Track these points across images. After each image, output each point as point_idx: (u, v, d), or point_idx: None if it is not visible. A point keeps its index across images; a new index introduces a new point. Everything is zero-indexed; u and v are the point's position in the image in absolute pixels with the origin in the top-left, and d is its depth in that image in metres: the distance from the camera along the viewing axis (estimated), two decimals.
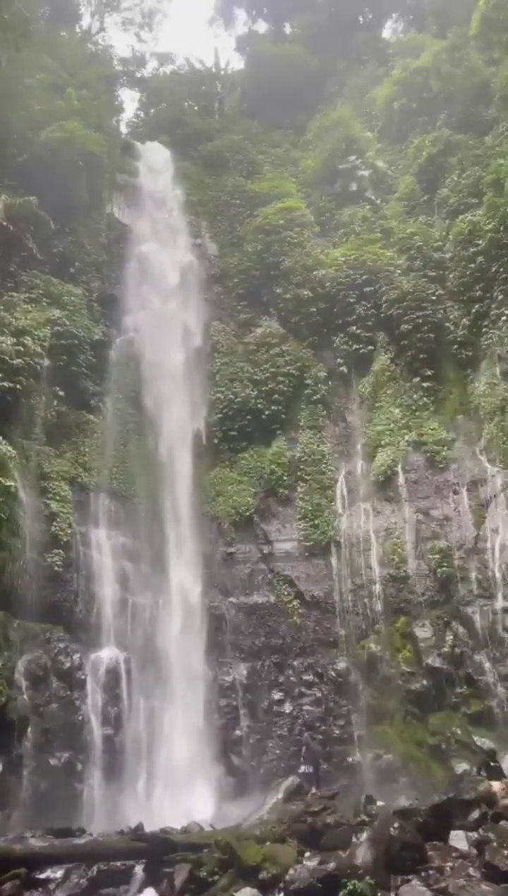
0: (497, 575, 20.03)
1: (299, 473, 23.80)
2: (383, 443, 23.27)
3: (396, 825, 11.17)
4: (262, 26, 46.43)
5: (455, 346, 24.21)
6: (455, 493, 22.03)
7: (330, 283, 26.21)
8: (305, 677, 21.21)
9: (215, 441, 24.70)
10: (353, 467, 23.88)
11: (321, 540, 22.76)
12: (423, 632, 20.40)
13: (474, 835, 11.56)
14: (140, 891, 11.26)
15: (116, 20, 46.28)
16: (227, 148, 32.81)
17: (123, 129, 36.36)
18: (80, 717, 18.28)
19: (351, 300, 25.80)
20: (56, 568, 19.37)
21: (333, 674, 21.18)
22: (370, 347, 25.29)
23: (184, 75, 40.92)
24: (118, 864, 11.80)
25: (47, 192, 23.79)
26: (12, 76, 25.18)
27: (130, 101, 61.23)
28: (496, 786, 12.99)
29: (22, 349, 20.08)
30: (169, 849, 11.74)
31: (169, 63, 45.52)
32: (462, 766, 18.19)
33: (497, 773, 14.50)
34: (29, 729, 17.14)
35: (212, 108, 37.32)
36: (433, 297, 24.73)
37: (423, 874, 10.36)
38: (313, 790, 16.10)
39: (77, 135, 25.23)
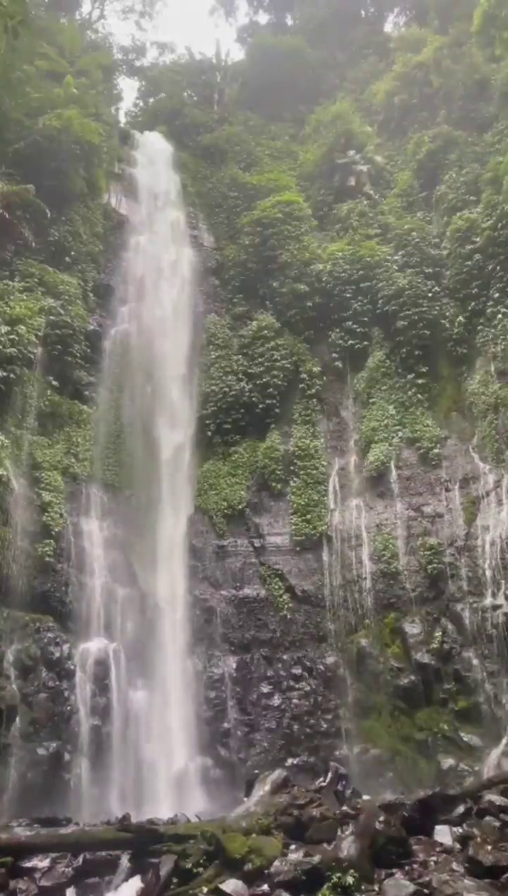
0: (487, 572, 20.09)
1: (292, 468, 23.80)
2: (376, 439, 23.28)
3: (381, 819, 11.24)
4: (263, 17, 46.24)
5: (451, 344, 24.21)
6: (447, 490, 22.08)
7: (327, 278, 26.16)
8: (294, 671, 21.26)
9: (209, 434, 24.65)
10: (346, 463, 23.89)
11: (313, 535, 22.79)
12: (412, 628, 20.46)
13: (458, 830, 11.65)
14: (126, 881, 11.26)
15: (116, 8, 46.38)
16: (225, 139, 32.65)
17: (122, 118, 36.14)
18: (68, 708, 18.28)
19: (347, 295, 25.76)
20: (47, 558, 19.35)
21: (322, 668, 21.23)
22: (366, 343, 25.28)
23: (184, 65, 40.66)
24: (104, 853, 11.80)
25: (44, 181, 23.66)
26: (10, 63, 24.95)
27: (129, 90, 61.08)
28: None
29: (16, 338, 20.02)
30: (155, 839, 11.75)
31: (169, 52, 45.37)
32: (447, 762, 18.31)
33: None
34: (17, 718, 17.16)
35: (211, 99, 37.07)
36: (430, 294, 24.69)
37: (407, 868, 10.43)
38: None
39: (75, 123, 25.03)
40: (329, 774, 14.79)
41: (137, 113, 38.42)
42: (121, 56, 42.39)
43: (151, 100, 38.53)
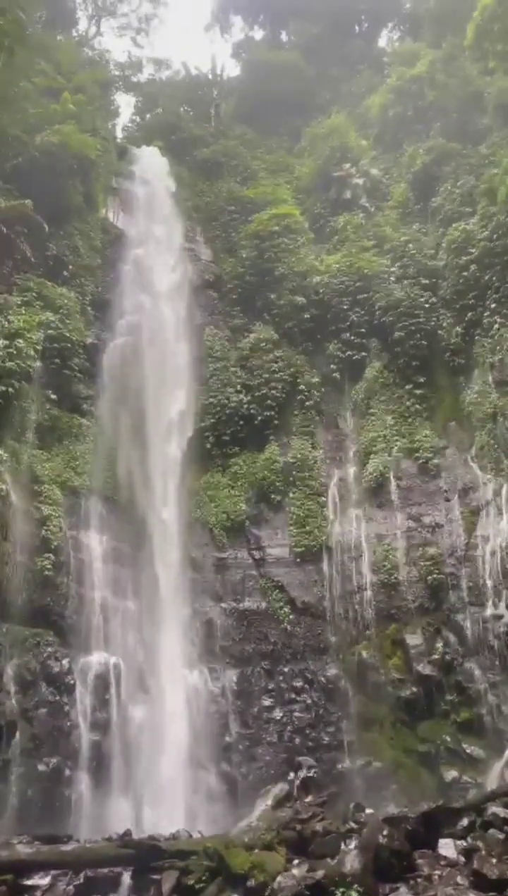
0: (488, 582, 20.09)
1: (291, 479, 23.78)
2: (375, 449, 23.32)
3: (384, 833, 11.15)
4: (258, 33, 46.66)
5: (448, 354, 24.30)
6: (447, 500, 22.10)
7: (324, 290, 26.27)
8: (295, 683, 21.16)
9: (208, 446, 24.65)
10: (345, 473, 23.91)
11: (313, 546, 22.74)
12: (413, 639, 20.41)
13: (462, 843, 11.54)
14: None
15: (112, 25, 46.46)
16: (222, 154, 32.88)
17: (119, 133, 36.33)
18: (68, 723, 18.14)
19: (345, 307, 25.88)
20: (46, 572, 19.24)
21: (323, 680, 21.14)
22: (363, 354, 25.37)
23: (180, 81, 41.07)
24: (106, 870, 11.69)
25: (42, 196, 23.75)
26: (7, 80, 25.15)
27: (125, 105, 61.54)
28: None
29: (14, 352, 20.04)
30: (157, 856, 11.65)
31: (165, 68, 45.69)
32: (451, 774, 18.25)
33: None
34: (17, 734, 17.04)
35: (208, 114, 37.38)
36: (427, 305, 24.81)
37: (411, 882, 10.34)
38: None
39: (72, 139, 25.19)
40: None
41: (134, 128, 38.68)
42: (117, 72, 42.70)
43: (148, 115, 38.82)
